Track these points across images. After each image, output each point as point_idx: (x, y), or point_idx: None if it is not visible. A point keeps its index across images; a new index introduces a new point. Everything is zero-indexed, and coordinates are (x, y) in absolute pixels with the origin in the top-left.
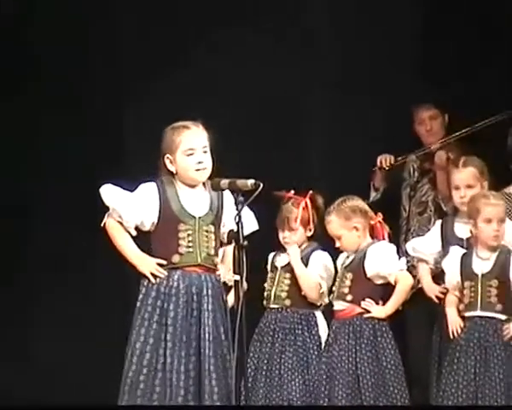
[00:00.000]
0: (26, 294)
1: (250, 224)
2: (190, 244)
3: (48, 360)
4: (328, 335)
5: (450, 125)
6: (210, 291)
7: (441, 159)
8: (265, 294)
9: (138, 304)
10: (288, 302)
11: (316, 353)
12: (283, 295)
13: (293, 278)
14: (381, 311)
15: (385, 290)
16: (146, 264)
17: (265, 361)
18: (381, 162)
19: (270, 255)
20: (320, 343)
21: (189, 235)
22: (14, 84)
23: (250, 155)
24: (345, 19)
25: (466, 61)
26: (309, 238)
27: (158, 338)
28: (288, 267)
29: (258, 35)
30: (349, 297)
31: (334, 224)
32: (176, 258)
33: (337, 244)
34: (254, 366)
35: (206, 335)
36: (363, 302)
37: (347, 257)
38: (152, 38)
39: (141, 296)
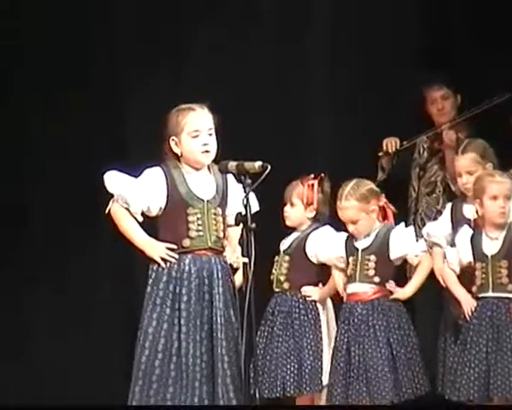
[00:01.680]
0: (23, 288)
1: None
2: (200, 228)
3: (46, 359)
4: (351, 317)
5: (463, 105)
6: (220, 274)
7: (451, 139)
8: (271, 277)
9: (148, 289)
10: (286, 286)
11: (311, 337)
12: (282, 278)
13: (292, 262)
14: (404, 292)
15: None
16: (155, 249)
17: (263, 345)
18: (386, 146)
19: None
20: (319, 327)
21: (198, 219)
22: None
23: (254, 138)
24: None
25: (478, 40)
26: (310, 219)
27: (171, 323)
28: (289, 251)
29: (260, 24)
30: (376, 279)
31: (354, 208)
32: (186, 242)
33: (350, 228)
34: (263, 351)
35: (218, 318)
36: (387, 284)
37: (356, 240)
38: (154, 26)
39: (151, 281)
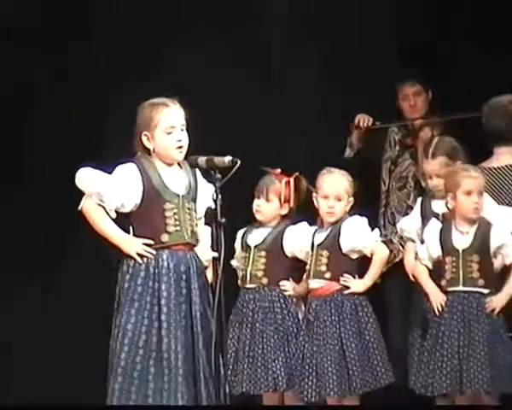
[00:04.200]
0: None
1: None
2: (177, 223)
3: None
4: (308, 313)
5: (434, 101)
6: (195, 269)
7: (427, 136)
8: (240, 274)
9: (126, 285)
10: (265, 281)
11: (294, 330)
12: (259, 273)
13: (269, 257)
14: (359, 285)
15: (360, 265)
16: (131, 245)
17: (247, 342)
18: (358, 121)
19: (240, 233)
20: (298, 320)
21: (174, 213)
22: None
23: (224, 132)
24: None
25: (449, 36)
26: (282, 216)
27: (151, 318)
28: (263, 245)
29: (233, 18)
30: (327, 275)
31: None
32: (165, 237)
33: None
34: (235, 348)
35: (197, 313)
36: (341, 278)
37: (317, 233)
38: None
39: (127, 277)
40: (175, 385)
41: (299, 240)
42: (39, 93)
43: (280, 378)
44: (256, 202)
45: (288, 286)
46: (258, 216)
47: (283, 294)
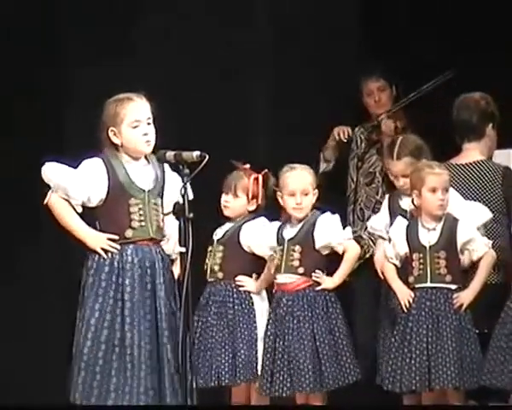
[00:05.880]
0: None
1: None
2: (142, 218)
3: None
4: (277, 307)
5: (399, 96)
6: (161, 264)
7: (389, 128)
8: (205, 267)
9: (90, 280)
10: (220, 275)
11: (245, 326)
12: (216, 268)
13: (226, 251)
14: (330, 282)
15: (328, 261)
16: (96, 240)
17: (198, 335)
18: (338, 135)
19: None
20: (253, 316)
21: (140, 209)
22: None
23: (192, 127)
24: None
25: (414, 31)
26: (250, 212)
27: (114, 313)
28: (222, 240)
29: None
30: (301, 270)
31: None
32: (129, 233)
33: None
34: (198, 341)
35: (162, 308)
36: (313, 274)
37: (285, 229)
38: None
39: (92, 272)
40: (137, 380)
41: (257, 235)
42: None
43: (223, 373)
44: (224, 197)
45: (246, 282)
46: (226, 212)
47: (238, 288)
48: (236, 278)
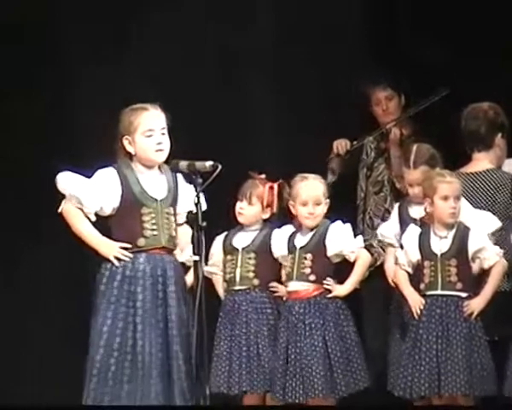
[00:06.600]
0: None
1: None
2: (154, 227)
3: None
4: (289, 315)
5: (407, 105)
6: (173, 272)
7: (396, 135)
8: (227, 276)
9: (102, 288)
10: (256, 282)
11: (281, 331)
12: (251, 275)
13: (259, 259)
14: (342, 289)
15: (338, 268)
16: (109, 248)
17: (243, 343)
18: (337, 148)
19: (221, 237)
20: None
21: (152, 218)
22: None
23: (206, 138)
24: None
25: (423, 41)
26: (264, 220)
27: (126, 321)
28: (252, 247)
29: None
30: (312, 277)
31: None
32: (141, 241)
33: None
34: (229, 349)
35: (173, 316)
36: (324, 282)
37: (297, 236)
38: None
39: (105, 280)
40: (147, 387)
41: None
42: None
43: (279, 376)
44: (239, 204)
45: (280, 288)
46: (240, 218)
47: (272, 294)
48: (270, 285)
